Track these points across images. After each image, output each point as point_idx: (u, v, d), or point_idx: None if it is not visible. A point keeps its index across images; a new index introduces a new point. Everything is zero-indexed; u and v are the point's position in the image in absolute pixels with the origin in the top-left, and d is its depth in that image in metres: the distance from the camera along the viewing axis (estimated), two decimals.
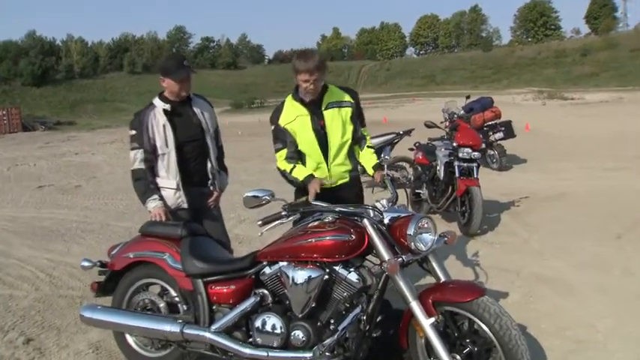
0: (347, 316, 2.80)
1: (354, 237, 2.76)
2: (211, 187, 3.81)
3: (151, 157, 3.62)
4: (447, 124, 7.92)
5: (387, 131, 9.64)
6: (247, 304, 2.99)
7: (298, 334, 2.82)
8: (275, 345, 2.89)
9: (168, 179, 3.66)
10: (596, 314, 3.84)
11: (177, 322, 3.12)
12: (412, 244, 2.67)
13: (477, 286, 2.72)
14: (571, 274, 4.65)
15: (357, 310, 2.81)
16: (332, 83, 3.70)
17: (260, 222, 2.90)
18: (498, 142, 10.30)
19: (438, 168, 6.72)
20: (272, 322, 2.90)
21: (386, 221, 2.81)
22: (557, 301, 4.12)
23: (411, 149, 7.75)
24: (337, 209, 2.86)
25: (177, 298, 3.26)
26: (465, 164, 6.32)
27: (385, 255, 2.69)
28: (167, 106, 3.64)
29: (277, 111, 3.69)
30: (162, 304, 3.33)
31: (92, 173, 13.47)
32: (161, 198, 3.62)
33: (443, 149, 6.68)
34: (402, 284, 2.67)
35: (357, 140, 3.70)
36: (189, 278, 3.15)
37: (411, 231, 2.67)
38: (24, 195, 10.57)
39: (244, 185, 10.54)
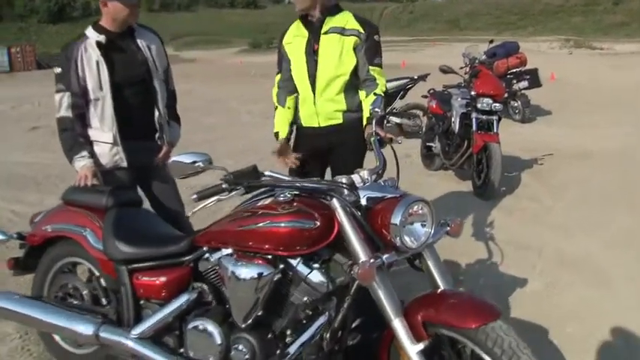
0: (308, 327, 2.08)
1: (318, 223, 2.00)
2: (159, 142, 3.04)
3: (81, 102, 2.86)
4: (467, 69, 7.00)
5: (401, 75, 8.72)
6: (179, 303, 2.27)
7: (240, 350, 2.10)
8: None
9: (103, 131, 2.90)
10: (634, 311, 3.09)
11: (94, 320, 2.43)
12: (397, 238, 1.91)
13: (488, 306, 1.89)
14: (601, 256, 3.87)
15: (323, 319, 2.08)
16: (353, 12, 3.03)
17: (195, 196, 2.14)
18: (522, 91, 9.32)
19: (452, 119, 5.89)
20: (208, 330, 2.18)
21: (363, 202, 2.04)
22: (586, 292, 3.36)
23: (425, 96, 6.92)
24: (296, 184, 2.09)
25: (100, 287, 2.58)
26: (484, 117, 5.46)
27: (359, 253, 1.93)
28: (102, 38, 2.84)
29: (285, 31, 3.20)
30: (85, 292, 2.64)
31: None
32: (92, 155, 2.87)
33: (459, 98, 5.82)
34: (380, 295, 1.92)
35: (364, 81, 2.96)
36: (112, 263, 2.45)
37: (396, 219, 1.90)
38: (15, 136, 10.00)
39: (245, 128, 9.81)
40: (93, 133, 2.90)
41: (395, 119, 8.37)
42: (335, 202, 1.99)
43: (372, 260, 1.88)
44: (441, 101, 6.29)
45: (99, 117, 2.87)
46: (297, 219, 2.02)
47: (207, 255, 2.28)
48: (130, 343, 2.30)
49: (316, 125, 3.03)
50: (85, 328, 2.40)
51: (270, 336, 2.12)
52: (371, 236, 1.96)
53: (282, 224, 2.02)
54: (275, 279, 2.06)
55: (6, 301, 2.63)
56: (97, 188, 2.73)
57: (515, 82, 9.26)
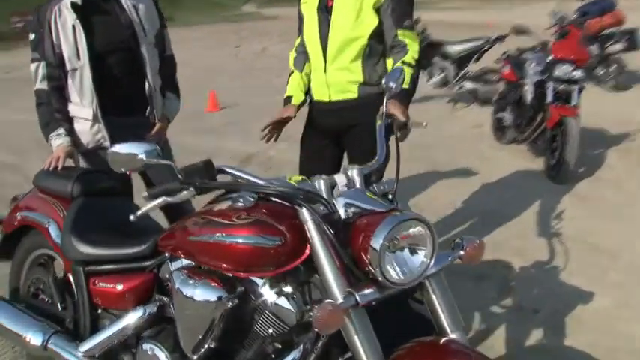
0: None
1: (284, 240, 1.52)
2: (150, 117, 2.63)
3: (58, 72, 2.48)
4: (555, 30, 6.11)
5: (475, 36, 7.87)
6: (134, 319, 1.87)
7: None
8: None
9: (83, 106, 2.51)
10: None
11: (45, 328, 2.09)
12: (376, 269, 1.39)
13: None
14: None
15: (296, 354, 1.62)
16: None
17: (145, 194, 1.72)
18: (617, 54, 8.17)
19: (525, 87, 5.13)
20: (157, 356, 1.79)
21: (342, 214, 1.52)
22: None
23: (499, 61, 6.14)
24: (252, 187, 1.60)
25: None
26: (562, 86, 4.67)
27: (330, 287, 1.43)
28: None
29: None
30: (54, 291, 2.32)
31: None
32: (69, 133, 2.51)
33: (533, 64, 5.02)
34: (355, 341, 1.42)
35: (391, 48, 2.42)
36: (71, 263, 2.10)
37: (376, 243, 1.37)
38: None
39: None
40: (72, 109, 2.53)
41: (468, 84, 7.60)
42: (305, 214, 1.49)
43: (339, 302, 1.38)
44: (515, 67, 5.51)
45: (77, 90, 2.49)
46: (256, 234, 1.54)
47: (168, 262, 1.87)
48: None
49: (326, 99, 2.51)
50: (33, 337, 2.07)
51: None
52: (347, 263, 1.45)
53: (239, 239, 1.56)
54: (230, 305, 1.62)
55: None
56: (66, 173, 2.36)
57: (608, 43, 8.12)
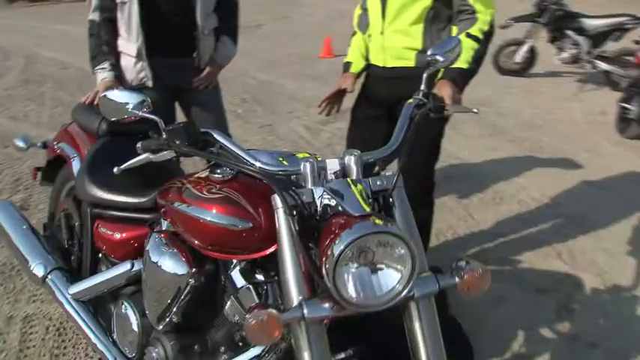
0: (244, 351, 1.46)
1: (254, 225, 1.32)
2: (196, 60, 2.48)
3: (110, 4, 2.39)
4: None
5: (619, 12, 6.90)
6: (118, 272, 1.79)
7: (153, 356, 1.58)
8: (128, 353, 1.73)
9: (129, 41, 2.42)
10: None
11: (50, 262, 2.07)
12: (330, 281, 1.14)
13: None
14: None
15: (257, 350, 1.44)
16: None
17: (138, 146, 1.58)
18: None
19: None
20: (128, 317, 1.70)
21: (319, 209, 1.27)
22: None
23: (638, 42, 5.37)
24: (229, 161, 1.38)
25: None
26: None
27: (288, 292, 1.22)
28: None
29: None
30: (63, 227, 2.30)
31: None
32: (113, 68, 2.43)
33: None
34: (304, 357, 1.20)
35: (459, 13, 2.08)
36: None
37: (336, 250, 1.12)
38: None
39: None
40: (120, 43, 2.44)
41: (602, 65, 6.73)
42: (276, 200, 1.27)
43: (271, 311, 1.16)
44: None
45: (125, 24, 2.39)
46: (226, 213, 1.35)
47: (161, 220, 1.74)
48: (64, 301, 1.92)
49: (381, 64, 2.22)
50: (36, 268, 2.05)
51: (195, 349, 1.56)
52: (309, 268, 1.22)
53: (207, 217, 1.38)
54: (193, 283, 1.47)
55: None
56: (94, 108, 2.30)
57: None
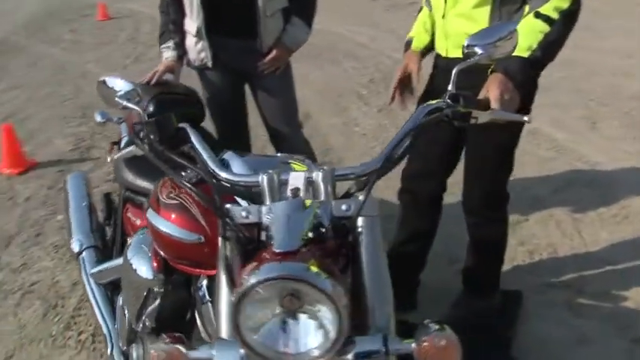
0: None
1: (204, 240, 1.19)
2: (258, 43, 2.34)
3: None
4: None
5: None
6: None
7: (131, 354, 1.51)
8: (121, 345, 1.69)
9: (191, 19, 2.35)
10: None
11: (88, 239, 2.10)
12: (232, 323, 0.93)
13: None
14: None
15: None
16: None
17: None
18: None
19: None
20: (123, 310, 1.66)
21: (263, 236, 1.06)
22: None
23: None
24: (173, 175, 1.20)
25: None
26: None
27: (219, 321, 1.06)
28: None
29: None
30: (103, 206, 2.33)
31: None
32: (177, 47, 2.38)
33: None
34: None
35: None
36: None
37: (240, 291, 0.91)
38: None
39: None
40: (186, 22, 2.38)
41: None
42: (220, 220, 1.09)
43: (176, 347, 0.99)
44: None
45: (189, 2, 2.31)
46: (175, 223, 1.22)
47: None
48: (85, 280, 1.95)
49: (443, 54, 1.89)
50: (75, 243, 2.11)
51: None
52: None
53: (161, 225, 1.26)
54: (158, 290, 1.36)
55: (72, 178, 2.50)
56: (150, 88, 2.26)
57: None
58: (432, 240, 2.28)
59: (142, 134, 1.30)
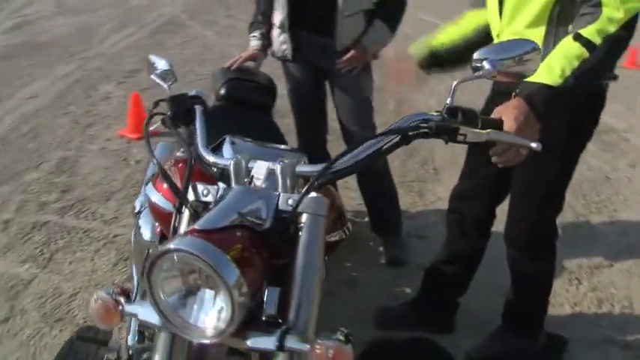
0: None
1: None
2: (336, 43, 2.37)
3: None
4: None
5: None
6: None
7: None
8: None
9: (278, 12, 2.44)
10: None
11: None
12: (147, 287, 0.99)
13: None
14: None
15: None
16: None
17: None
18: None
19: None
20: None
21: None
22: None
23: None
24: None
25: None
26: None
27: None
28: None
29: None
30: None
31: None
32: (263, 37, 2.49)
33: None
34: None
35: (581, 5, 1.49)
36: None
37: (153, 254, 0.97)
38: None
39: None
40: (274, 14, 2.49)
41: None
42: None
43: (111, 299, 1.07)
44: None
45: None
46: (159, 191, 1.32)
47: None
48: (132, 240, 2.09)
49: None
50: (137, 201, 2.24)
51: None
52: None
53: (151, 193, 1.36)
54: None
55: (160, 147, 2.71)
56: (227, 73, 2.39)
57: None
58: (476, 265, 2.17)
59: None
